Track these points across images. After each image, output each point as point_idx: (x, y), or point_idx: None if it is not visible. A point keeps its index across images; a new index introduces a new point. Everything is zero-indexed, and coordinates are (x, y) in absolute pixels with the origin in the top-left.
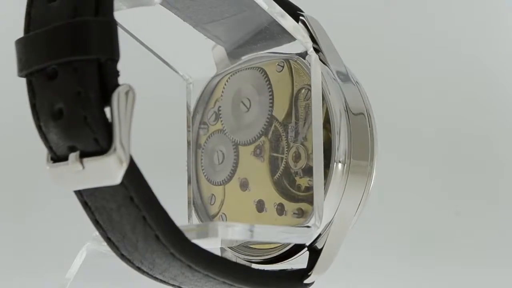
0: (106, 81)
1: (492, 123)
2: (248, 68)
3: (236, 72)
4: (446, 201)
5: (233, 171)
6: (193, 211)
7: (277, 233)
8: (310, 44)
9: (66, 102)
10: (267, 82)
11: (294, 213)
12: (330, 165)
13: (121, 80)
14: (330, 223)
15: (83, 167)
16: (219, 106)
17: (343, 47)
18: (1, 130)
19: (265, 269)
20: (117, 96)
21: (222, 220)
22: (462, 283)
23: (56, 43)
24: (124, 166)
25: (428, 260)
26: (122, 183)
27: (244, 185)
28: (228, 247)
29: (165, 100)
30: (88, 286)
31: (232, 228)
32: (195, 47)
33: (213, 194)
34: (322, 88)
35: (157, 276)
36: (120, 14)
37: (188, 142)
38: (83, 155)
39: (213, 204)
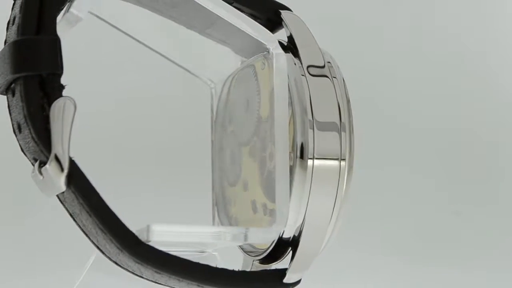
0: (48, 95)
1: (493, 122)
2: (247, 67)
3: (240, 72)
4: (446, 200)
5: (239, 172)
6: (216, 213)
7: (237, 234)
8: (273, 43)
9: (19, 117)
10: (256, 80)
11: (269, 213)
12: (292, 161)
13: (150, 89)
14: (303, 221)
15: (43, 177)
16: (231, 107)
17: (340, 44)
18: (1, 130)
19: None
20: (54, 109)
21: (235, 221)
22: (462, 283)
23: (5, 62)
24: (64, 173)
25: (428, 260)
26: (71, 190)
27: (245, 186)
28: (240, 247)
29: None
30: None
31: (168, 229)
32: (210, 51)
33: (230, 196)
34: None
35: (143, 276)
36: (140, 33)
37: (212, 145)
38: (42, 165)
39: (230, 205)
